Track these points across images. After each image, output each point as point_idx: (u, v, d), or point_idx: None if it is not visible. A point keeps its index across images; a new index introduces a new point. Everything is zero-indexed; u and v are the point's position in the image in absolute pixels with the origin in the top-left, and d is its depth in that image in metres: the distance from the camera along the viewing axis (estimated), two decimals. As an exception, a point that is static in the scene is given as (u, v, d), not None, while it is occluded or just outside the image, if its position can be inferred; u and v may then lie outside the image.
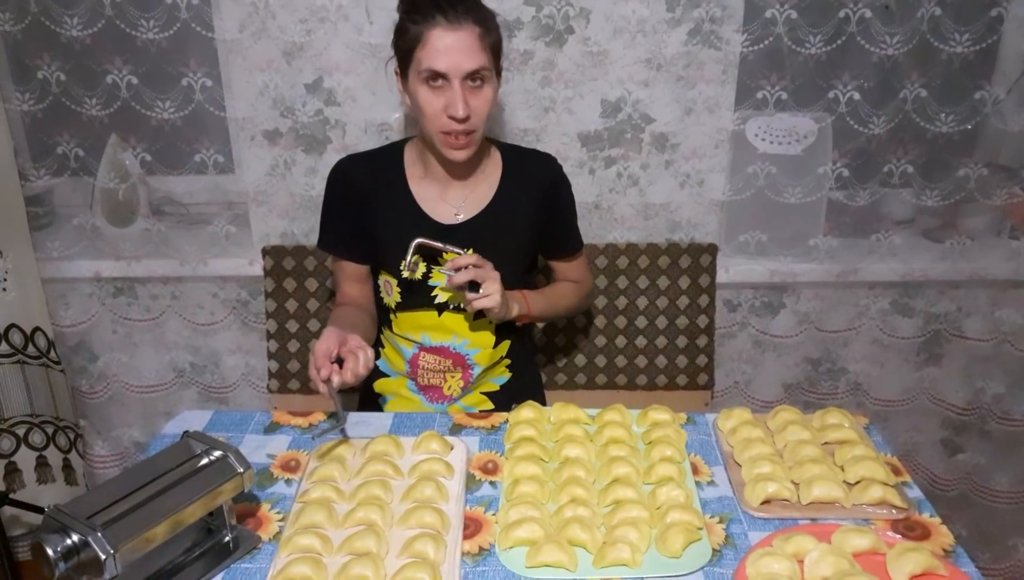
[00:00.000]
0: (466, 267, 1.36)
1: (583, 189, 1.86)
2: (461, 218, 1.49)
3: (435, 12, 1.30)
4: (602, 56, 1.76)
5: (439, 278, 1.47)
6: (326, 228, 1.56)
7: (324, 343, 1.26)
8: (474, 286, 1.38)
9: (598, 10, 1.72)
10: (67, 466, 2.03)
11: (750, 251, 1.93)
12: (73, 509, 0.91)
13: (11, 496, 1.82)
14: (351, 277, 1.56)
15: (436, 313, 1.51)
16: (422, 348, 1.54)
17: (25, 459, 1.97)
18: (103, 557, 0.87)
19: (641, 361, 1.91)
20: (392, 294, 1.51)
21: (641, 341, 1.90)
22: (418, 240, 1.39)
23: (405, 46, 1.34)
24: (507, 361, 1.62)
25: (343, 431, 1.30)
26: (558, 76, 1.77)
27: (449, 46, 1.30)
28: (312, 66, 1.76)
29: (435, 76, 1.31)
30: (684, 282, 1.88)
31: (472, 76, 1.32)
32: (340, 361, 1.27)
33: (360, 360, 1.26)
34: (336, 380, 1.24)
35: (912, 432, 2.13)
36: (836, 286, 1.97)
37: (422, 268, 1.46)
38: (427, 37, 1.30)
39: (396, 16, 1.38)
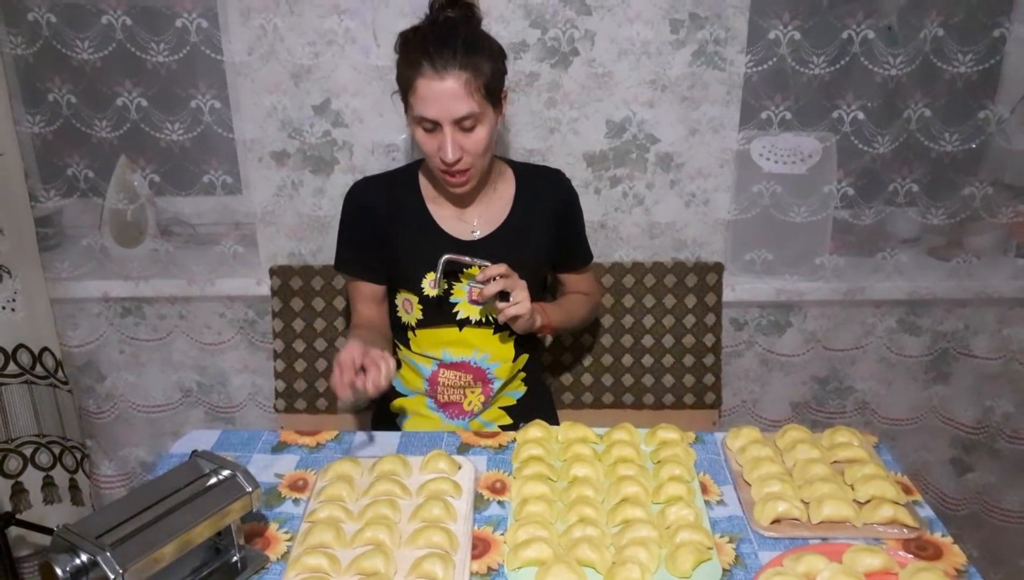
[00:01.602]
0: (495, 278, 1.38)
1: (589, 208, 1.86)
2: (478, 235, 1.51)
3: (422, 60, 1.31)
4: (607, 77, 1.77)
5: (460, 294, 1.49)
6: (343, 249, 1.57)
7: (347, 352, 1.28)
8: (502, 296, 1.41)
9: (603, 32, 1.74)
10: (74, 486, 2.03)
11: (756, 270, 1.93)
12: (82, 529, 0.91)
13: (18, 516, 1.81)
14: (367, 298, 1.57)
15: (457, 329, 1.52)
16: (441, 365, 1.55)
17: (32, 479, 1.96)
18: (112, 577, 0.87)
19: (648, 380, 1.91)
20: (412, 312, 1.52)
21: (648, 360, 1.90)
22: (446, 256, 1.41)
23: (400, 86, 1.38)
24: (523, 374, 1.63)
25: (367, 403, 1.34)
26: (563, 97, 1.79)
27: (436, 94, 1.31)
28: (320, 88, 1.78)
29: (426, 121, 1.34)
30: (690, 301, 1.88)
31: (461, 120, 1.34)
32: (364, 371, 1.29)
33: (382, 371, 1.26)
34: (359, 384, 1.25)
35: (921, 451, 2.12)
36: (843, 304, 1.97)
37: (442, 284, 1.48)
38: (416, 85, 1.33)
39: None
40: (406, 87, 1.35)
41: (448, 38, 1.32)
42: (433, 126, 1.35)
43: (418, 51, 1.32)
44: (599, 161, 1.84)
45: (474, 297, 1.43)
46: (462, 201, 1.51)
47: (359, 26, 1.73)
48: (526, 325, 1.44)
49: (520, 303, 1.39)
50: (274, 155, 1.83)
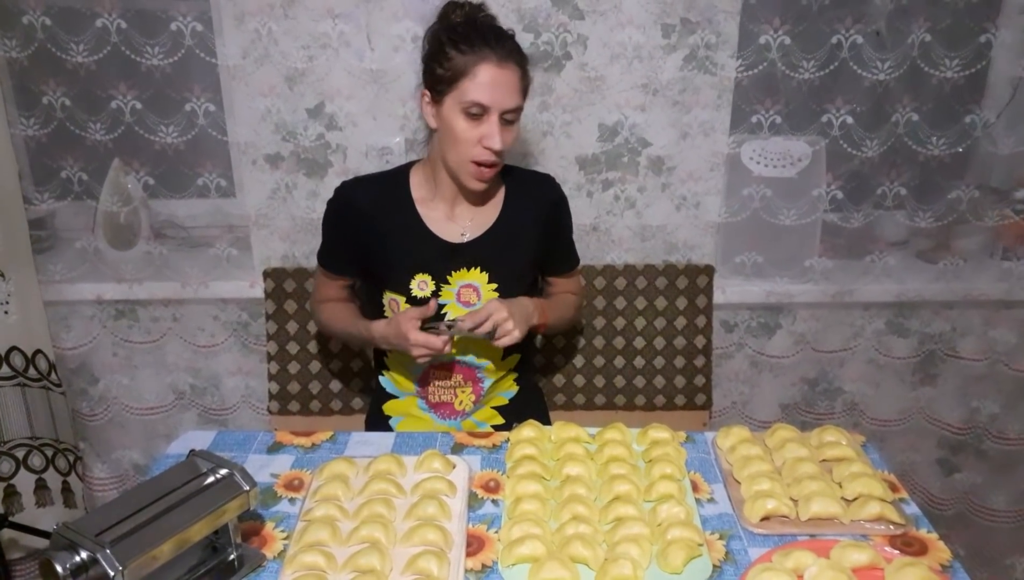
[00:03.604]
0: (479, 324, 1.40)
1: (581, 211, 1.88)
2: (467, 237, 1.52)
3: (485, 47, 1.35)
4: (599, 81, 1.79)
5: (448, 295, 1.51)
6: (328, 247, 1.59)
7: (410, 332, 1.38)
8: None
9: (595, 37, 1.75)
10: (66, 489, 2.03)
11: (746, 272, 1.95)
12: (82, 526, 0.92)
13: (10, 519, 1.81)
14: (335, 287, 1.62)
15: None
16: (431, 365, 1.56)
17: (24, 482, 1.96)
18: (111, 574, 0.88)
19: (639, 381, 1.92)
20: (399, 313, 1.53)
21: (639, 361, 1.92)
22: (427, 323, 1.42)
23: (449, 74, 1.37)
24: (514, 374, 1.64)
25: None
26: (556, 101, 1.80)
27: (495, 82, 1.36)
28: (314, 91, 1.79)
29: (477, 108, 1.36)
30: (681, 303, 1.90)
31: (508, 113, 1.39)
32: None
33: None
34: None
35: (908, 452, 2.14)
36: (832, 307, 1.99)
37: (431, 286, 1.49)
38: (476, 70, 1.35)
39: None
40: (460, 72, 1.36)
41: (503, 34, 1.39)
42: (480, 113, 1.37)
43: (480, 39, 1.36)
44: (591, 164, 1.86)
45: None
46: (463, 197, 1.53)
47: (353, 30, 1.74)
48: (519, 339, 1.44)
49: (510, 333, 1.40)
50: (268, 158, 1.84)
